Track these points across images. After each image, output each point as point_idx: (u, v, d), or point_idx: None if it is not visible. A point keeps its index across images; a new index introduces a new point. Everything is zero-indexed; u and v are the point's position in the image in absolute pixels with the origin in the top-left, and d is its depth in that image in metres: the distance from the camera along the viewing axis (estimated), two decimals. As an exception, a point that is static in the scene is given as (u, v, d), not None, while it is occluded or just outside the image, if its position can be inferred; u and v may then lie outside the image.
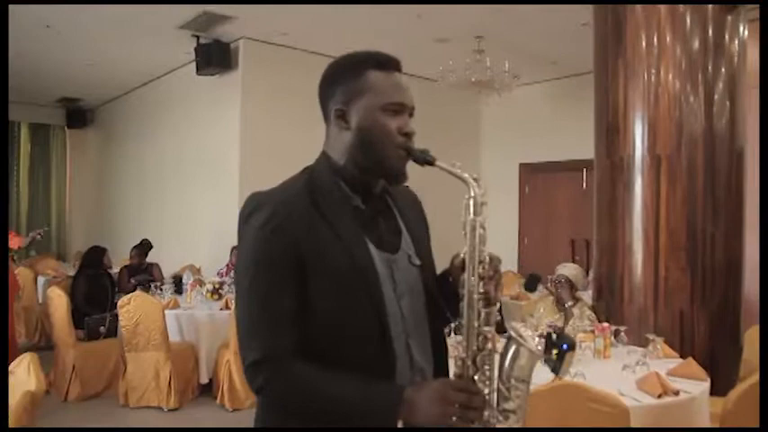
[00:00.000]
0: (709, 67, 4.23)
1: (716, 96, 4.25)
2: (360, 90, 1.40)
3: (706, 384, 3.05)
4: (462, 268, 1.35)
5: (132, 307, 4.94)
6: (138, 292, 5.33)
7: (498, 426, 1.29)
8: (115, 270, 6.85)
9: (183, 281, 6.08)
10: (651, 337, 3.64)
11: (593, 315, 4.28)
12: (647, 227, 4.30)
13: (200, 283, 6.01)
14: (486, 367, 1.31)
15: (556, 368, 1.35)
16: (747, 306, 4.48)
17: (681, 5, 4.21)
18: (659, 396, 2.76)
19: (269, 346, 1.31)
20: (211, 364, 5.24)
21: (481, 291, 1.33)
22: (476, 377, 1.30)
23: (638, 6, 4.30)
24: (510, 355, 1.30)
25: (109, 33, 6.98)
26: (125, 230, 9.69)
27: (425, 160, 1.39)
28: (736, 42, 4.33)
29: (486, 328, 1.33)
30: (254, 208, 1.37)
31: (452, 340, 1.59)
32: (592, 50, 4.75)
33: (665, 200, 4.25)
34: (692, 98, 4.23)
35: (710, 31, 4.22)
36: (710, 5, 4.21)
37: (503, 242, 9.10)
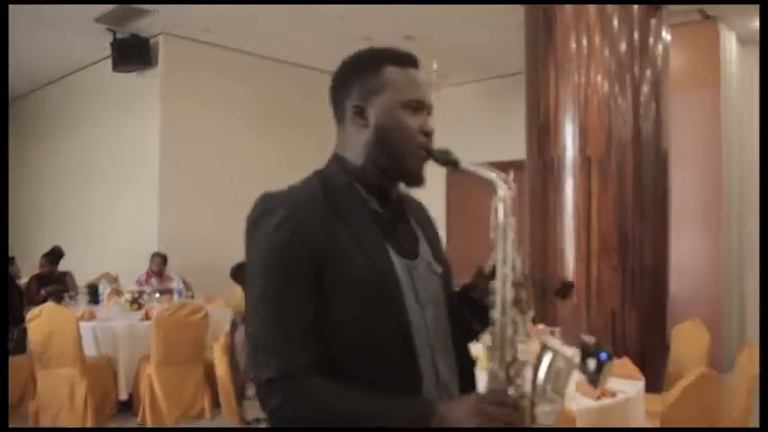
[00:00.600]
0: (636, 70, 4.30)
1: (642, 99, 4.33)
2: (378, 86, 1.32)
3: (641, 384, 3.06)
4: (491, 276, 1.26)
5: (43, 320, 4.59)
6: (49, 303, 4.97)
7: None
8: (25, 280, 6.40)
9: (100, 290, 5.74)
10: (585, 337, 3.63)
11: (527, 317, 4.27)
12: (579, 228, 4.33)
13: (118, 292, 5.69)
14: (519, 380, 1.21)
15: (594, 380, 1.27)
16: (672, 305, 4.57)
17: (608, 7, 4.25)
18: (598, 398, 2.74)
19: (286, 362, 1.19)
20: (131, 378, 4.94)
21: (514, 299, 1.24)
22: (510, 390, 1.20)
23: (568, 7, 4.31)
24: (545, 365, 1.21)
25: (20, 24, 6.52)
26: (37, 236, 9.12)
27: (448, 161, 1.32)
28: (660, 46, 4.41)
29: (520, 338, 1.23)
30: (265, 210, 1.26)
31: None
32: (521, 51, 4.76)
33: (596, 201, 4.29)
34: (621, 100, 4.29)
35: (636, 34, 4.29)
36: (636, 7, 4.27)
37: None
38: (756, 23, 6.33)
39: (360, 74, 1.34)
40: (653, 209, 4.36)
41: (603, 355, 1.25)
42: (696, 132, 6.02)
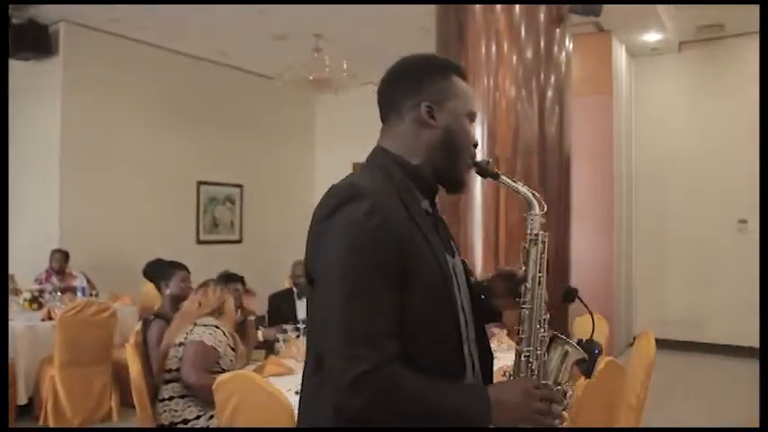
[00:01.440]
0: (542, 76, 4.54)
1: (547, 103, 4.56)
2: (450, 93, 1.38)
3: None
4: (521, 281, 1.36)
5: (-68, 321, 4.31)
6: (-61, 304, 4.66)
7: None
8: None
9: (-6, 289, 5.42)
10: (495, 330, 3.82)
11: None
12: (488, 224, 4.52)
13: (16, 291, 5.40)
14: (541, 374, 1.32)
15: (588, 371, 1.35)
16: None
17: (517, 15, 4.47)
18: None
19: (380, 353, 1.15)
20: (32, 381, 4.72)
21: (545, 299, 1.35)
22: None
23: (479, 13, 4.49)
24: (557, 356, 1.34)
25: None
26: None
27: (491, 173, 1.40)
28: (564, 54, 4.68)
29: (545, 334, 1.35)
30: (350, 197, 1.23)
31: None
32: (432, 53, 4.91)
33: (504, 200, 4.49)
34: (527, 104, 4.51)
35: (542, 42, 4.52)
36: (542, 17, 4.51)
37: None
38: (643, 37, 6.82)
39: (430, 77, 1.37)
40: (557, 206, 4.60)
41: (596, 351, 1.33)
42: (592, 136, 6.41)
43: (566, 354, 1.34)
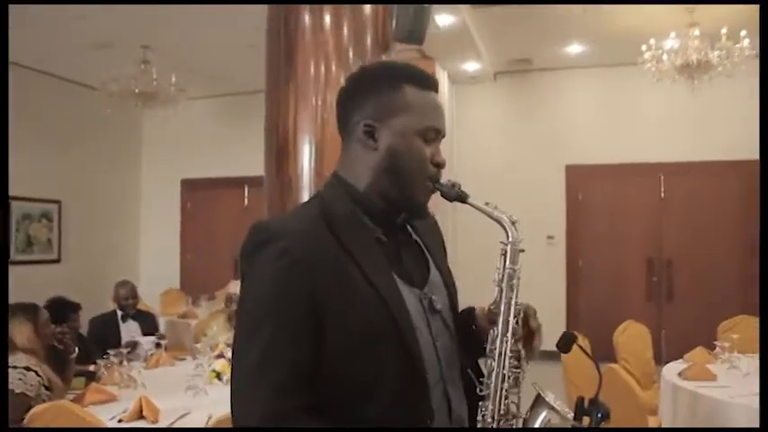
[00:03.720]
0: (367, 98, 4.69)
1: (373, 124, 4.72)
2: (396, 107, 1.20)
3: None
4: (491, 321, 1.21)
5: None
6: None
7: None
8: None
9: None
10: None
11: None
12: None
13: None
14: None
15: None
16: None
17: (345, 40, 4.59)
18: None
19: (273, 407, 1.06)
20: None
21: (513, 349, 1.19)
22: None
23: (308, 35, 4.56)
24: (537, 419, 1.19)
25: None
26: None
27: (457, 196, 1.23)
28: (388, 78, 4.87)
29: (513, 391, 1.19)
30: (265, 239, 1.13)
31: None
32: (261, 70, 4.90)
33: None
34: (353, 124, 4.63)
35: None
36: (369, 42, 4.67)
37: (164, 259, 8.79)
38: (463, 66, 7.28)
39: (375, 89, 1.22)
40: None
41: (599, 415, 1.17)
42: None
43: (547, 419, 1.19)
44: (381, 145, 1.21)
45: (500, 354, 1.19)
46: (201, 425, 2.58)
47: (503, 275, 1.23)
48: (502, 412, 1.17)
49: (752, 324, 4.49)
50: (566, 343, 1.23)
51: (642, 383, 4.31)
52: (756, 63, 5.80)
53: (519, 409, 1.20)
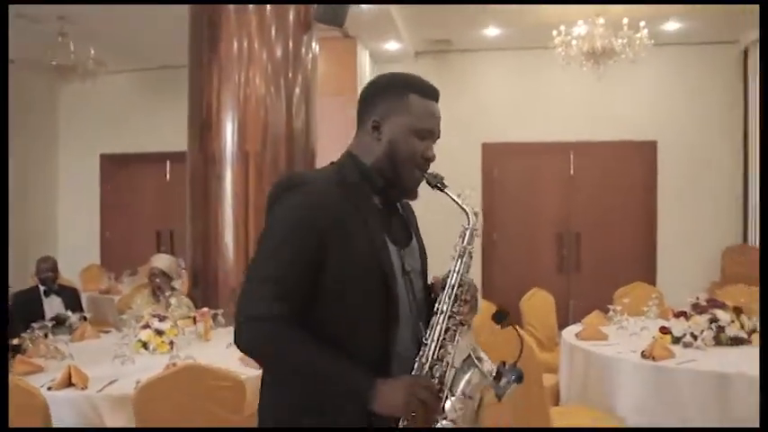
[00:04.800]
0: (290, 75, 4.80)
1: (295, 100, 4.84)
2: (398, 109, 1.52)
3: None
4: (443, 287, 1.50)
5: None
6: None
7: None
8: None
9: None
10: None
11: (191, 303, 4.46)
12: (238, 217, 4.68)
13: None
14: (437, 377, 1.43)
15: (500, 394, 1.41)
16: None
17: (268, 17, 4.68)
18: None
19: (275, 307, 1.38)
20: None
21: (455, 309, 1.48)
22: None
23: (232, 12, 4.63)
24: (465, 373, 1.43)
25: None
26: None
27: (436, 185, 1.54)
28: (311, 56, 5.00)
29: (450, 344, 1.46)
30: (293, 185, 1.48)
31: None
32: (184, 46, 4.93)
33: (253, 192, 4.68)
34: (276, 101, 4.74)
35: (291, 44, 4.79)
36: (291, 20, 4.78)
37: (84, 235, 8.64)
38: (384, 45, 7.45)
39: (386, 94, 1.55)
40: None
41: (513, 377, 1.39)
42: (337, 133, 6.82)
43: (473, 374, 1.42)
44: (384, 138, 1.53)
45: (442, 312, 1.48)
46: (130, 390, 2.66)
47: (458, 251, 1.53)
48: (436, 357, 1.45)
49: (644, 290, 4.92)
50: (500, 317, 1.50)
51: (546, 346, 4.67)
52: (655, 51, 6.24)
53: (453, 360, 1.46)
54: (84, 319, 4.13)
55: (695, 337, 3.44)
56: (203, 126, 4.75)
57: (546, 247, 7.84)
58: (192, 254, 4.87)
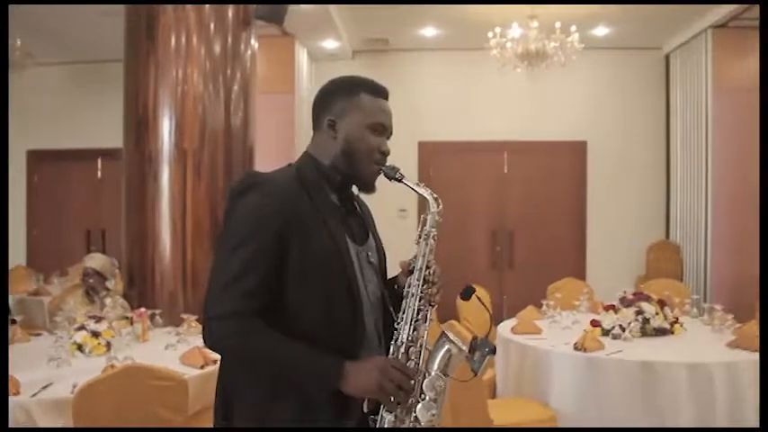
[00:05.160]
0: (228, 72, 4.77)
1: (233, 97, 4.80)
2: (351, 108, 1.60)
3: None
4: (411, 271, 1.56)
5: None
6: None
7: (418, 413, 1.43)
8: None
9: None
10: (185, 316, 3.96)
11: (126, 303, 4.38)
12: (175, 215, 4.61)
13: None
14: (414, 358, 1.48)
15: (475, 368, 1.47)
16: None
17: (206, 14, 4.62)
18: (202, 367, 3.10)
19: (240, 304, 1.42)
20: None
21: (424, 291, 1.54)
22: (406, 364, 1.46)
23: (170, 8, 4.55)
24: (440, 351, 1.47)
25: None
26: None
27: (395, 177, 1.60)
28: (249, 53, 4.97)
29: (422, 325, 1.51)
30: (254, 183, 1.51)
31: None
32: (119, 40, 4.81)
33: (191, 190, 4.63)
34: (214, 98, 4.70)
35: (230, 40, 4.75)
36: (231, 17, 4.73)
37: (9, 235, 8.30)
38: (322, 44, 7.45)
39: (339, 95, 1.62)
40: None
41: (487, 350, 1.45)
42: (275, 131, 6.82)
43: (449, 351, 1.47)
44: (340, 135, 1.60)
45: (413, 294, 1.54)
46: (66, 394, 2.62)
47: (422, 235, 1.59)
48: (410, 339, 1.50)
49: (575, 285, 5.12)
50: (467, 293, 1.62)
51: (482, 341, 4.79)
52: (585, 55, 6.47)
53: (426, 340, 1.52)
54: (14, 321, 3.99)
55: (623, 329, 3.62)
56: (140, 123, 4.66)
57: (480, 245, 8.02)
58: (128, 253, 4.77)
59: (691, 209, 7.28)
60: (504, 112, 7.89)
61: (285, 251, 1.47)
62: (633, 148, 7.88)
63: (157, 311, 4.07)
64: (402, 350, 1.49)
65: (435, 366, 1.47)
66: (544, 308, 4.28)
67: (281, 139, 7.04)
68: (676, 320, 3.82)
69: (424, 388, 1.45)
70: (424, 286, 1.55)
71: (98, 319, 3.57)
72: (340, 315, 1.51)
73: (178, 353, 3.34)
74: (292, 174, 1.59)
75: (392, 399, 1.42)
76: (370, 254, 1.64)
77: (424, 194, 1.61)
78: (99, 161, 8.32)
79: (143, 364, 2.64)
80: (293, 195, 1.52)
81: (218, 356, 3.14)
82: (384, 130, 1.64)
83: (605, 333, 3.64)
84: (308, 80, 7.90)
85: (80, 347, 3.40)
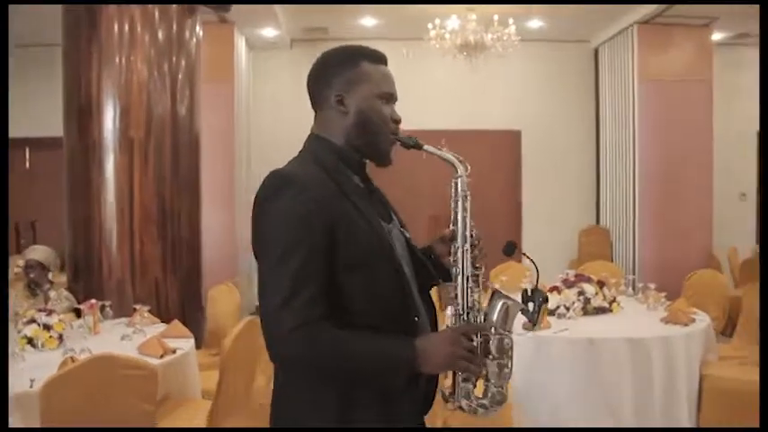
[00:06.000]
0: (173, 60, 4.71)
1: (178, 86, 4.75)
2: (357, 79, 1.51)
3: (192, 341, 3.52)
4: (451, 239, 1.53)
5: None
6: None
7: (491, 375, 1.43)
8: None
9: None
10: (138, 306, 3.92)
11: (71, 295, 4.28)
12: (122, 204, 4.54)
13: None
14: (475, 322, 1.46)
15: (533, 319, 1.47)
16: (204, 271, 5.12)
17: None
18: (161, 356, 3.09)
19: (307, 313, 1.33)
20: None
21: (471, 255, 1.49)
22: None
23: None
24: (496, 308, 1.45)
25: None
26: None
27: (414, 144, 1.55)
28: (194, 41, 4.91)
29: (476, 289, 1.48)
30: (282, 183, 1.40)
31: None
32: (48, 24, 4.67)
33: (138, 179, 4.55)
34: (159, 85, 4.63)
35: (175, 29, 4.69)
36: (175, 6, 4.67)
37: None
38: (261, 32, 7.40)
39: (340, 68, 1.53)
40: (187, 185, 4.80)
41: (540, 299, 1.45)
42: (215, 119, 6.73)
43: (506, 306, 1.44)
44: (351, 109, 1.52)
45: (462, 261, 1.51)
46: (23, 389, 2.57)
47: (457, 200, 1.54)
48: (469, 305, 1.48)
49: (517, 269, 5.32)
50: (510, 249, 1.61)
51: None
52: (521, 47, 6.69)
53: (481, 303, 1.50)
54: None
55: (567, 309, 3.82)
56: (81, 111, 4.55)
57: (422, 230, 8.17)
58: (72, 244, 4.66)
59: (619, 195, 7.67)
60: (443, 101, 8.06)
61: (334, 245, 1.39)
62: (565, 138, 8.21)
63: (107, 303, 4.01)
64: (463, 318, 1.47)
65: (497, 323, 1.45)
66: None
67: (222, 127, 6.97)
68: (614, 300, 4.05)
69: (492, 348, 1.43)
70: (471, 249, 1.51)
71: (49, 312, 3.50)
72: (392, 298, 1.46)
73: (135, 343, 3.31)
74: (311, 163, 1.50)
75: (472, 365, 1.39)
76: (399, 231, 1.59)
77: (450, 159, 1.55)
78: (27, 150, 8.02)
79: (112, 354, 2.62)
80: (323, 185, 1.44)
81: (176, 346, 3.21)
82: (391, 97, 1.57)
83: (551, 313, 3.82)
84: (246, 68, 7.84)
85: (30, 341, 3.32)
